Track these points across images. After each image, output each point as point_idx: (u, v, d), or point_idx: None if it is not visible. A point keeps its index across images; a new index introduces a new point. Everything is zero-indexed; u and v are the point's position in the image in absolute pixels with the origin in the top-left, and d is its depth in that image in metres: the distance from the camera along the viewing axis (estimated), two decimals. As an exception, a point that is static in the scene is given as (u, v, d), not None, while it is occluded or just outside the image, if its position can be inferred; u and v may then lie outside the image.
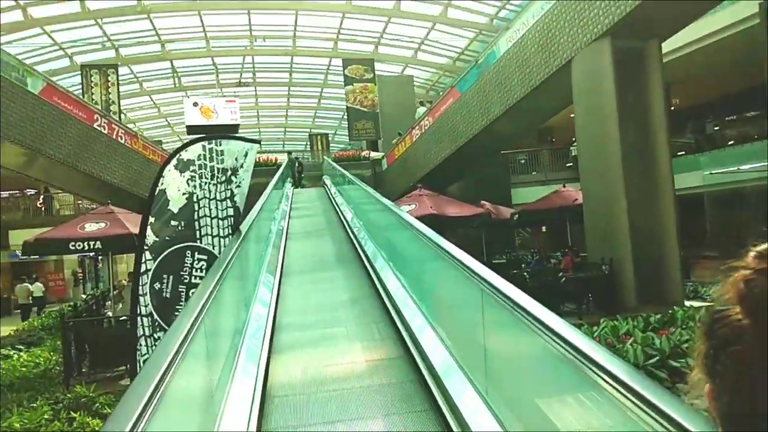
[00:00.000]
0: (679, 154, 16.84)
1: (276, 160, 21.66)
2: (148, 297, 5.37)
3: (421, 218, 6.52)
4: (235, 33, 25.52)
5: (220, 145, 5.50)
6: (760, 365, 0.62)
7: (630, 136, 10.00)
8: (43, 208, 23.48)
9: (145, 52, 25.85)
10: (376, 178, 21.05)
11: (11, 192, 23.86)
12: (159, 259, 5.37)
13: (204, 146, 5.48)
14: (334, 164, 18.34)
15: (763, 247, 0.69)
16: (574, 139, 15.10)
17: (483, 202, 13.32)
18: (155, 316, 5.37)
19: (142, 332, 5.38)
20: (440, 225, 8.68)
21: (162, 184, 5.34)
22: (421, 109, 20.31)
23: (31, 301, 18.89)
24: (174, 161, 5.41)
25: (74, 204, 23.84)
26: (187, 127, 23.63)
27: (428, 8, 23.17)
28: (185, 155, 5.43)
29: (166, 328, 5.06)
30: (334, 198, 14.46)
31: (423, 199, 11.65)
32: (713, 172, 15.56)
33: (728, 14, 12.82)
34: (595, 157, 10.77)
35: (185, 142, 5.95)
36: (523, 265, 13.15)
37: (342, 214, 11.45)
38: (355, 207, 10.77)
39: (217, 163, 5.47)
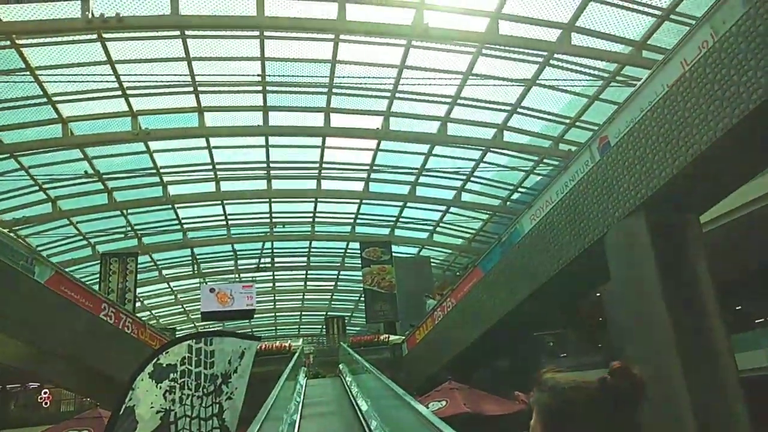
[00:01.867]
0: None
1: (290, 347, 20.25)
2: None
3: (454, 418, 5.14)
4: (255, 220, 25.63)
5: (211, 344, 4.36)
6: None
7: (679, 314, 8.77)
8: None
9: (167, 241, 25.81)
10: (397, 363, 19.45)
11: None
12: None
13: (191, 346, 4.34)
14: (351, 351, 16.91)
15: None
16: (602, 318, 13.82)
17: (517, 393, 11.73)
18: None
19: None
20: (479, 427, 7.19)
21: (130, 399, 4.07)
22: (431, 302, 19.35)
23: None
24: (149, 367, 4.21)
25: (75, 399, 22.14)
26: (202, 313, 22.76)
27: (442, 193, 23.28)
28: (165, 359, 4.26)
29: None
30: (350, 389, 12.80)
31: (454, 394, 10.19)
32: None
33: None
34: (639, 339, 9.43)
35: (174, 339, 4.81)
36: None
37: (363, 418, 9.60)
38: (375, 403, 9.23)
39: (205, 368, 4.27)
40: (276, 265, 30.42)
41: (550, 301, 12.59)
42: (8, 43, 14.16)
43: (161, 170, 20.64)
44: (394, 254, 24.83)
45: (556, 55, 15.83)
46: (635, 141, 8.37)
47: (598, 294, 12.90)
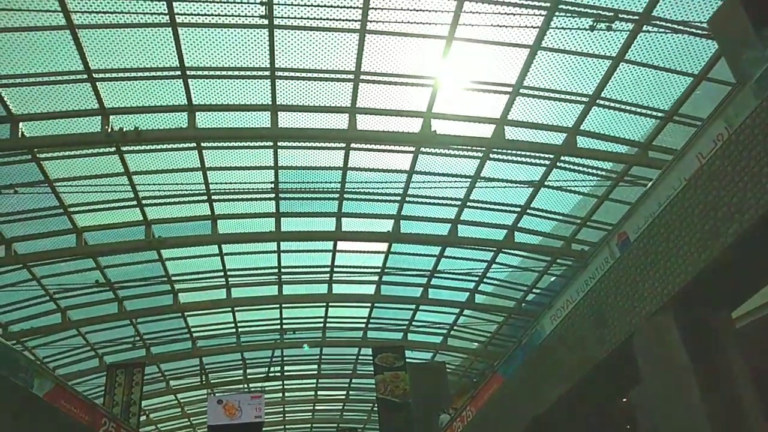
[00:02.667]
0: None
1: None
2: None
3: None
4: (265, 327, 25.02)
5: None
6: None
7: (717, 419, 8.04)
8: None
9: (175, 350, 25.08)
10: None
11: None
12: None
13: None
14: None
15: None
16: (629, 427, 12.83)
17: None
18: None
19: None
20: None
21: None
22: (445, 417, 18.31)
23: None
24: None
25: None
26: (209, 427, 21.61)
27: (455, 295, 22.76)
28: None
29: None
30: None
31: None
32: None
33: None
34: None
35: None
36: None
37: None
38: None
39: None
40: (286, 373, 29.37)
41: (576, 407, 11.75)
42: (29, 156, 14.46)
43: (172, 278, 20.40)
44: (407, 360, 23.87)
45: (562, 158, 15.96)
46: (657, 236, 8.07)
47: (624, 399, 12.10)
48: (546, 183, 16.78)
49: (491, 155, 16.07)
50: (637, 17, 12.33)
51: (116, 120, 14.17)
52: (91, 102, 13.69)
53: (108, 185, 15.93)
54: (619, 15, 12.19)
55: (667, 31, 12.47)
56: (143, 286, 20.63)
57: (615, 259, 9.22)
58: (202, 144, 15.29)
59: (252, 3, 11.78)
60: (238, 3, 11.83)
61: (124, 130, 14.06)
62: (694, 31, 12.41)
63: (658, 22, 12.38)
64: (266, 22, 12.34)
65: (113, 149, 14.91)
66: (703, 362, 8.17)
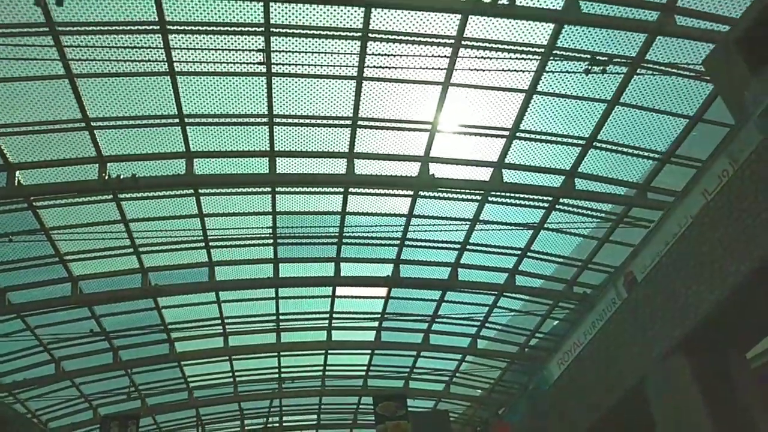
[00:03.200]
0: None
1: None
2: None
3: None
4: (264, 376, 24.35)
5: None
6: None
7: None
8: None
9: (172, 401, 24.32)
10: None
11: None
12: None
13: None
14: None
15: None
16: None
17: None
18: None
19: None
20: None
21: None
22: None
23: None
24: None
25: None
26: (205, 481, 20.68)
27: (456, 341, 22.23)
28: None
29: None
30: None
31: None
32: None
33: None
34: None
35: None
36: None
37: None
38: None
39: None
40: (285, 424, 28.45)
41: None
42: (25, 205, 14.25)
43: (169, 327, 19.92)
44: (409, 409, 23.08)
45: (561, 200, 15.80)
46: (664, 275, 7.81)
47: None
48: (545, 225, 16.57)
49: (490, 198, 15.91)
50: (630, 61, 12.38)
51: (113, 167, 14.04)
52: (89, 150, 13.60)
53: (104, 233, 15.67)
54: (614, 59, 12.24)
55: (661, 73, 12.50)
56: (139, 335, 20.12)
57: (623, 300, 8.93)
58: (200, 190, 15.12)
59: (250, 51, 11.77)
60: (236, 51, 11.82)
61: (122, 177, 13.89)
62: (686, 73, 12.44)
63: (651, 66, 12.42)
64: (264, 69, 12.35)
65: (110, 196, 14.73)
66: (719, 404, 7.79)
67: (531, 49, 12.30)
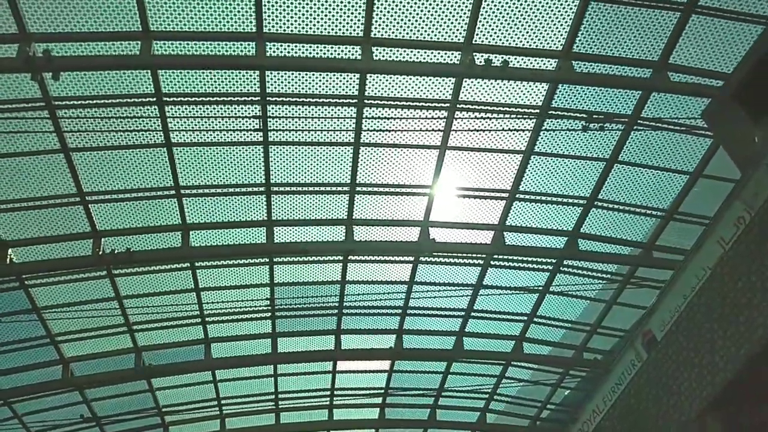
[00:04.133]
0: None
1: None
2: None
3: None
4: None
5: None
6: None
7: None
8: None
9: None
10: None
11: None
12: None
13: None
14: None
15: None
16: None
17: None
18: None
19: None
20: None
21: None
22: None
23: None
24: None
25: None
26: None
27: (464, 416, 21.14)
28: None
29: None
30: None
31: None
32: None
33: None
34: None
35: None
36: None
37: None
38: None
39: None
40: None
41: None
42: (17, 284, 13.81)
43: (163, 410, 18.91)
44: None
45: (565, 262, 15.40)
46: (686, 331, 7.31)
47: None
48: (551, 289, 16.07)
49: (492, 262, 15.51)
50: (626, 119, 12.34)
51: (108, 242, 13.71)
52: (83, 225, 13.33)
53: (97, 310, 15.12)
54: (610, 117, 12.19)
55: (658, 129, 12.43)
56: (132, 420, 19.05)
57: (643, 361, 8.34)
58: (196, 263, 14.71)
59: (247, 118, 11.72)
60: (232, 118, 11.77)
61: (116, 251, 13.52)
62: (683, 129, 12.37)
63: (648, 122, 12.36)
64: (261, 137, 12.26)
65: (104, 273, 14.32)
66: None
67: (527, 110, 12.28)
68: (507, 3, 10.74)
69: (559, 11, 10.80)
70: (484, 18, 10.89)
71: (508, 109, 12.26)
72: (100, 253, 13.58)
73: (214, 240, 14.29)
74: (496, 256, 15.33)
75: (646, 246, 14.85)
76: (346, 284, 15.88)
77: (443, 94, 12.00)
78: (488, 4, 10.68)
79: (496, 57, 11.08)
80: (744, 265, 6.39)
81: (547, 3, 10.74)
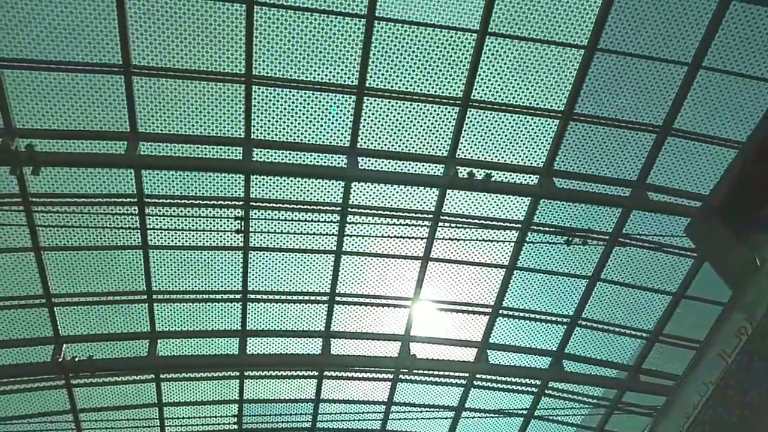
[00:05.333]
0: None
1: None
2: None
3: None
4: None
5: None
6: None
7: None
8: None
9: None
10: None
11: None
12: None
13: None
14: None
15: None
16: None
17: None
18: None
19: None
20: None
21: None
22: None
23: None
24: None
25: None
26: None
27: None
28: None
29: None
30: None
31: None
32: None
33: None
34: None
35: None
36: None
37: None
38: None
39: None
40: None
41: None
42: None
43: None
44: None
45: (551, 383, 14.56)
46: (692, 456, 6.55)
47: None
48: (536, 413, 15.04)
49: (475, 382, 14.61)
50: (607, 236, 12.21)
51: (69, 348, 12.74)
52: (46, 329, 12.41)
53: (51, 422, 13.68)
54: (591, 234, 12.08)
55: (640, 247, 12.28)
56: None
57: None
58: (161, 375, 13.61)
59: (228, 219, 11.36)
60: (212, 218, 11.40)
61: (77, 359, 12.52)
62: (654, 246, 12.24)
63: (631, 240, 12.23)
64: (241, 242, 11.84)
65: (62, 382, 13.13)
66: None
67: (509, 224, 12.13)
68: (489, 120, 10.94)
69: (540, 129, 11.00)
70: (468, 133, 11.05)
71: (490, 222, 12.10)
72: (60, 360, 12.56)
73: (184, 350, 13.34)
74: (479, 376, 14.47)
75: (631, 369, 14.15)
76: (320, 403, 14.71)
77: (427, 205, 11.88)
78: (471, 122, 10.87)
79: (478, 171, 11.12)
80: (750, 379, 5.86)
81: (528, 121, 10.95)
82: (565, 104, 10.70)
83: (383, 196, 11.70)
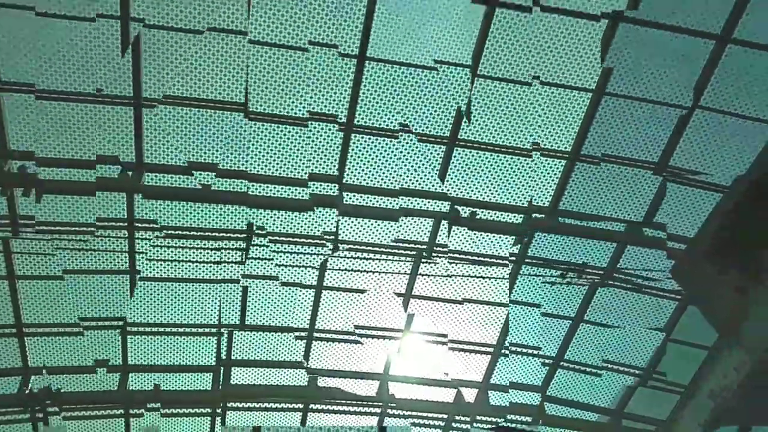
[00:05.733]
0: None
1: None
2: None
3: None
4: None
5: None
6: None
7: None
8: None
9: None
10: None
11: None
12: None
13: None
14: None
15: None
16: None
17: None
18: None
19: None
20: None
21: None
22: None
23: None
24: None
25: None
26: None
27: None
28: None
29: None
30: None
31: None
32: None
33: None
34: None
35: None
36: None
37: None
38: None
39: None
40: None
41: None
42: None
43: None
44: None
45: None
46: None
47: None
48: (517, 457, 14.64)
49: (454, 425, 14.21)
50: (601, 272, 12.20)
51: (37, 381, 12.24)
52: (15, 359, 11.93)
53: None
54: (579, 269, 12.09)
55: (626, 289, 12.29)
56: None
57: None
58: (131, 411, 13.00)
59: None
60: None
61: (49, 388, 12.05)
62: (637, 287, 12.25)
63: (613, 282, 12.23)
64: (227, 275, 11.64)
65: (27, 416, 12.49)
66: None
67: (494, 260, 12.11)
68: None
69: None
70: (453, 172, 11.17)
71: (477, 258, 12.07)
72: (27, 392, 12.04)
73: (156, 382, 12.82)
74: (458, 417, 14.10)
75: (614, 413, 13.93)
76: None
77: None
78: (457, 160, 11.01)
79: (462, 209, 11.23)
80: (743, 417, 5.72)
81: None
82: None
83: (369, 232, 11.64)
